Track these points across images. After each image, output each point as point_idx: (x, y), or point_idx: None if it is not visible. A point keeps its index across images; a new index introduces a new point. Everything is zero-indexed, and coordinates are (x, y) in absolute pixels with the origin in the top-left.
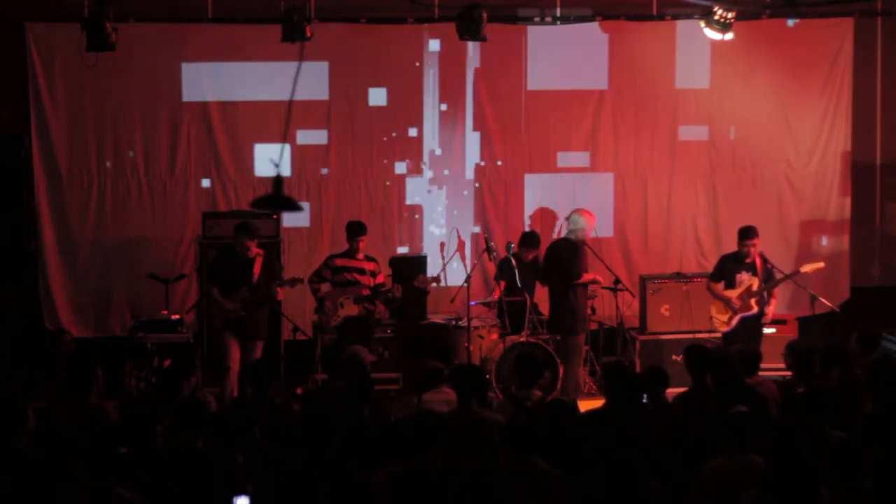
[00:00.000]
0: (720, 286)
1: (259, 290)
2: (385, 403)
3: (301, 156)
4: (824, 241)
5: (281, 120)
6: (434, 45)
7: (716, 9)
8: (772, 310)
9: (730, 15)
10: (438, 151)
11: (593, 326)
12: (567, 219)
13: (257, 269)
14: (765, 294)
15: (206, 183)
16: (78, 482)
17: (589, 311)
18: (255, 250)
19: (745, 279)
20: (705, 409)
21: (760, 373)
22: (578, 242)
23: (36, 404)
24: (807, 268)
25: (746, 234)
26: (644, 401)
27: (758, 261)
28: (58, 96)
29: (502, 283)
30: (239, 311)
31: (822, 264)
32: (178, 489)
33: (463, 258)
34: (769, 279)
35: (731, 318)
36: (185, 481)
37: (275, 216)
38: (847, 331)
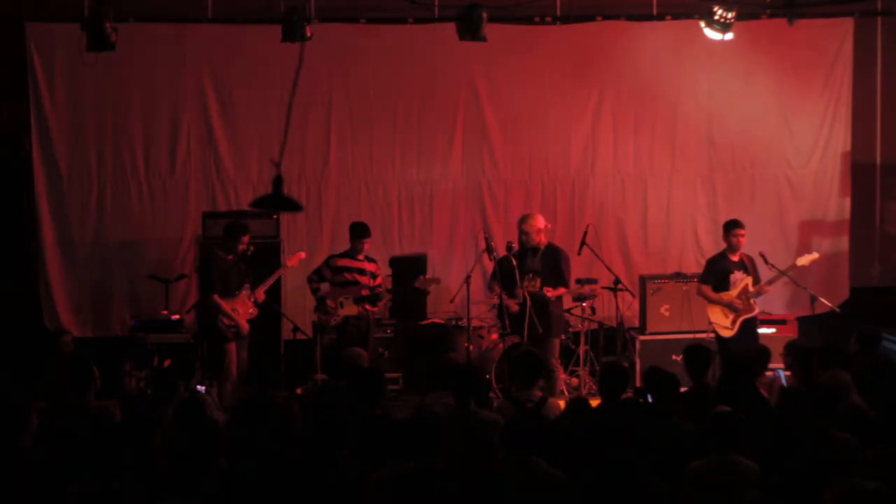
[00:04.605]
0: (711, 289)
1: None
2: (385, 403)
3: (301, 155)
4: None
5: (281, 119)
6: (435, 45)
7: (716, 9)
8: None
9: (730, 15)
10: (438, 151)
11: (593, 326)
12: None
13: (244, 266)
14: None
15: (205, 183)
16: (80, 482)
17: (589, 312)
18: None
19: (740, 278)
20: (705, 409)
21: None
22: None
23: (37, 404)
24: (802, 260)
25: (735, 223)
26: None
27: (745, 260)
28: (58, 96)
29: (496, 286)
30: (254, 309)
31: (816, 255)
32: (178, 489)
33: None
34: (758, 280)
35: (734, 322)
36: (186, 481)
37: (275, 216)
38: (847, 331)
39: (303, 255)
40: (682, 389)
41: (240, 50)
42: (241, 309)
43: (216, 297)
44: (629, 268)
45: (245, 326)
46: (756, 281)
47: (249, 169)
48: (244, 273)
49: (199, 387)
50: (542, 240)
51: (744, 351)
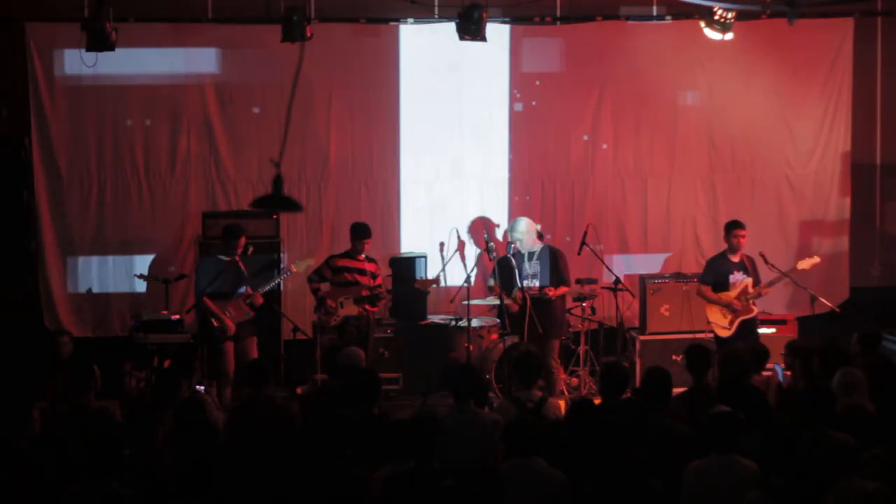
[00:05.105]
0: (710, 289)
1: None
2: (385, 403)
3: (301, 155)
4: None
5: (281, 119)
6: (436, 45)
7: (716, 9)
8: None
9: (730, 15)
10: (439, 151)
11: (593, 326)
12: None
13: (243, 267)
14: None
15: (205, 183)
16: (81, 482)
17: (589, 312)
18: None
19: (740, 279)
20: (705, 409)
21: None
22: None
23: (37, 404)
24: (803, 264)
25: (735, 224)
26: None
27: (745, 261)
28: (58, 96)
29: (496, 287)
30: (250, 312)
31: (817, 259)
32: (178, 489)
33: (462, 258)
34: (758, 281)
35: (732, 323)
36: (185, 481)
37: (275, 216)
38: (847, 331)
39: (311, 262)
40: (682, 389)
41: (240, 50)
42: (235, 311)
43: (206, 299)
44: (629, 268)
45: (231, 326)
46: (756, 282)
47: (249, 169)
48: (242, 275)
49: (198, 387)
50: (537, 241)
51: (738, 349)
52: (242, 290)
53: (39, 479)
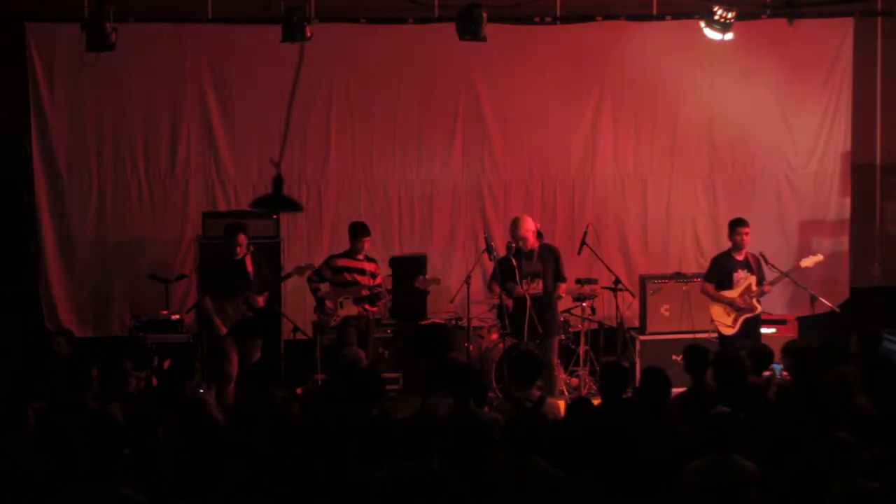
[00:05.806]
0: (714, 287)
1: (268, 286)
2: (385, 403)
3: (301, 155)
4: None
5: (281, 120)
6: (436, 45)
7: (716, 9)
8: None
9: (730, 15)
10: (438, 151)
11: (593, 326)
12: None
13: (251, 268)
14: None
15: (205, 183)
16: (81, 483)
17: (589, 312)
18: (244, 249)
19: (743, 277)
20: (705, 409)
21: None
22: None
23: (35, 405)
24: (806, 262)
25: (739, 221)
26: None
27: (750, 259)
28: (58, 96)
29: (496, 287)
30: (248, 312)
31: (820, 257)
32: (181, 490)
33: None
34: (762, 279)
35: (735, 321)
36: (188, 482)
37: (275, 216)
38: (847, 331)
39: (312, 265)
40: (682, 389)
41: (240, 50)
42: (233, 311)
43: (207, 299)
44: (629, 268)
45: (221, 328)
46: (760, 280)
47: (249, 169)
48: (247, 274)
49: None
50: (536, 240)
51: (737, 348)
52: (243, 290)
53: (38, 480)
